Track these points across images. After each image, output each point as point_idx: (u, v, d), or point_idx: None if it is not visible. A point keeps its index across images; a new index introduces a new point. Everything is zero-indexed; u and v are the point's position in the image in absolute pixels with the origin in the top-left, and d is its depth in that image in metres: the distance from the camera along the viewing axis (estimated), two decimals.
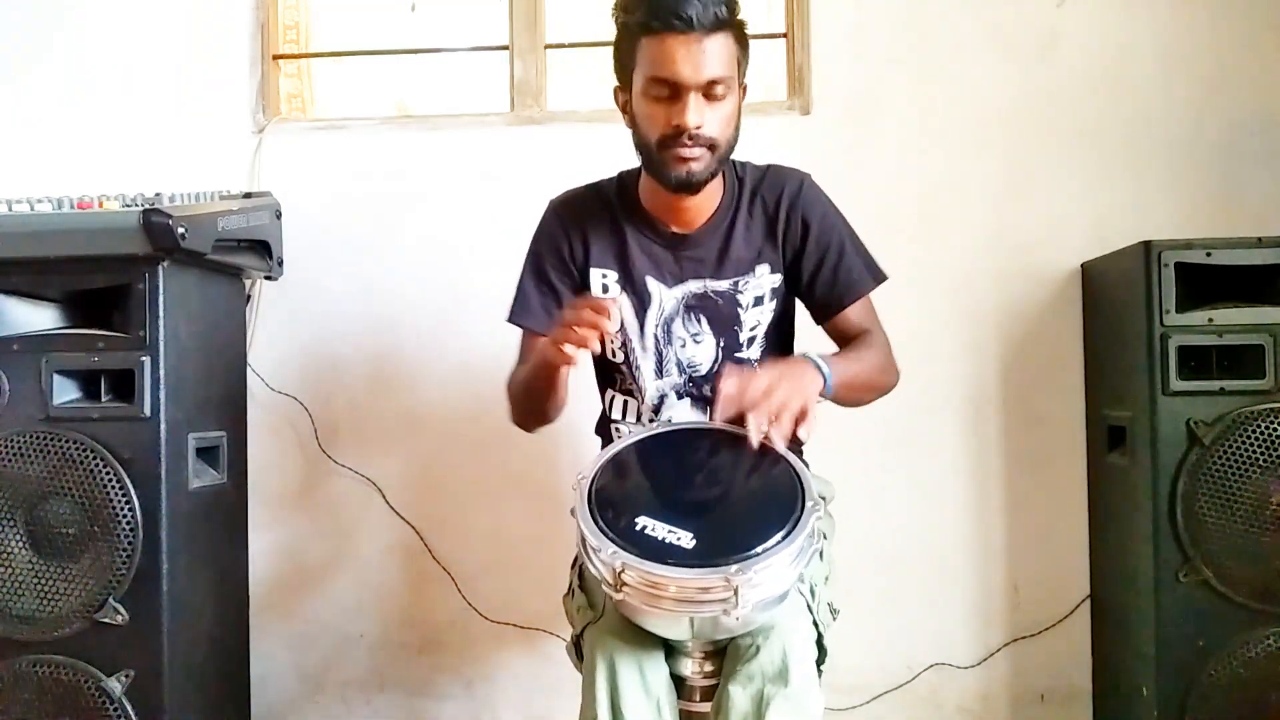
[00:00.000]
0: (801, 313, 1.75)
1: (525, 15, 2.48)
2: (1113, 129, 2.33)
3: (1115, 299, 2.15)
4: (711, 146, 1.51)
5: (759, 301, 1.65)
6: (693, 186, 1.54)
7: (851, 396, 1.58)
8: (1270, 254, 1.92)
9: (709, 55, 1.47)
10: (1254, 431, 1.88)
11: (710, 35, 1.46)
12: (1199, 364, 1.94)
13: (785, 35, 2.46)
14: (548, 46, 2.50)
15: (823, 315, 1.69)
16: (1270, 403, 1.89)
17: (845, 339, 1.68)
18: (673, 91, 1.48)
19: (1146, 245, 1.94)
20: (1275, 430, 1.88)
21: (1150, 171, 2.32)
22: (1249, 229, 2.10)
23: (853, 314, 1.67)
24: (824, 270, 1.65)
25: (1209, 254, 1.92)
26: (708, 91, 1.48)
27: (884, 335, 1.69)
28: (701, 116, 1.48)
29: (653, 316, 1.65)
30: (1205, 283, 1.94)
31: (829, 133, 2.36)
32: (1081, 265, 2.32)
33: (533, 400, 1.63)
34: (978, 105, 2.35)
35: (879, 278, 1.70)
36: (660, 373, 1.67)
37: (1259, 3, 2.31)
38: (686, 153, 1.50)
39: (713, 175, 1.55)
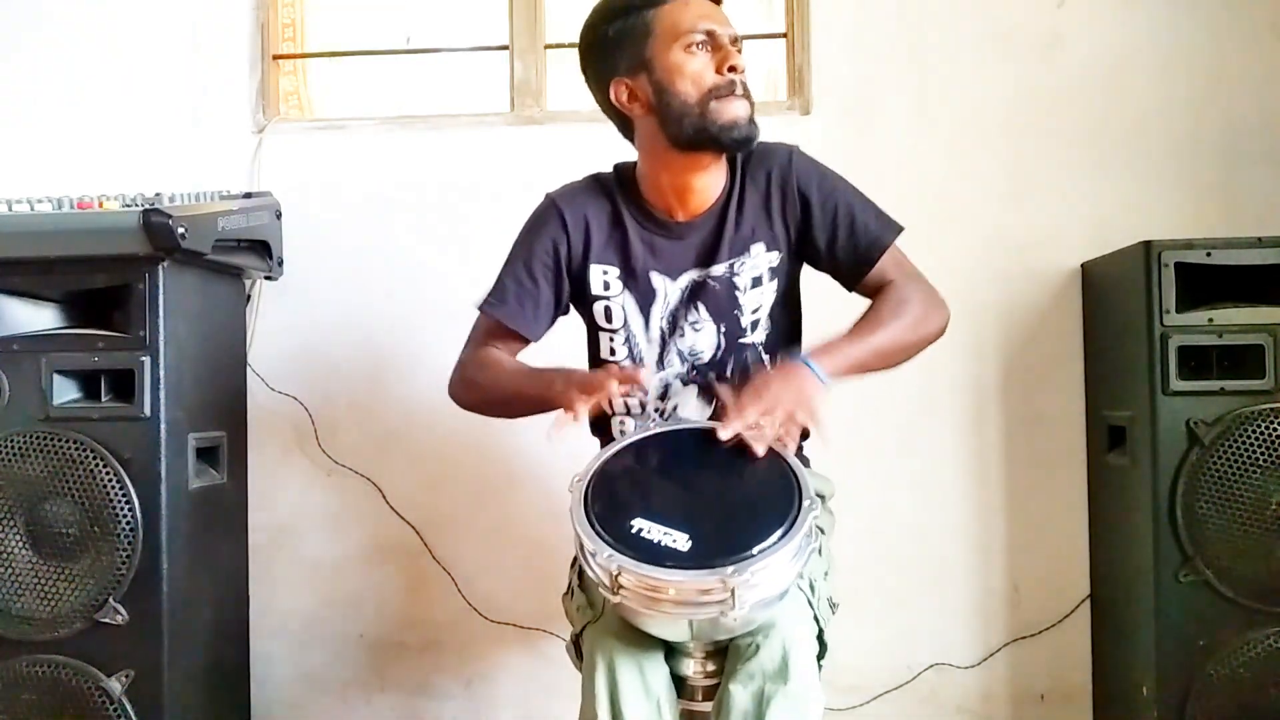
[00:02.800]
0: (808, 291, 1.72)
1: (525, 15, 2.48)
2: (1113, 129, 2.33)
3: (1115, 299, 2.15)
4: (750, 99, 1.55)
5: (757, 283, 1.63)
6: (750, 139, 1.55)
7: (877, 366, 1.54)
8: (1270, 254, 1.92)
9: (725, 14, 1.57)
10: (1254, 431, 1.88)
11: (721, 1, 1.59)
12: (1199, 364, 1.93)
13: (785, 35, 2.46)
14: (548, 46, 2.50)
15: (853, 280, 1.65)
16: (1270, 403, 1.89)
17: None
18: (712, 42, 1.54)
19: (1146, 245, 1.94)
20: (1275, 430, 1.88)
21: (1150, 171, 2.32)
22: (1249, 229, 2.10)
23: (881, 271, 1.62)
24: (840, 236, 1.61)
25: (1209, 254, 1.92)
26: (735, 47, 1.55)
27: (915, 280, 1.62)
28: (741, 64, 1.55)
29: (657, 310, 1.64)
30: (1205, 283, 1.93)
31: (829, 133, 2.36)
32: (1081, 265, 2.32)
33: (507, 406, 1.66)
34: (978, 105, 2.35)
35: (896, 228, 1.64)
36: (662, 364, 1.66)
37: (1259, 3, 2.31)
38: (740, 97, 1.53)
39: (757, 135, 1.57)
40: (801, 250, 1.65)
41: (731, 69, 1.52)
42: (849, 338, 1.53)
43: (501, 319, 1.67)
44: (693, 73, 1.52)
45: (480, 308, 1.69)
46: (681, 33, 1.53)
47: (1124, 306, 2.05)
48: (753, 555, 1.26)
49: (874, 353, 1.53)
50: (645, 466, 1.44)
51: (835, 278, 1.67)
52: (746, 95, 1.54)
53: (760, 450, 1.38)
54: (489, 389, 1.65)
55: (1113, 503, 2.19)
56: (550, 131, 2.44)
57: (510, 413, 1.68)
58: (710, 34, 1.53)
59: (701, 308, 1.63)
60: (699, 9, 1.54)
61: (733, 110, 1.52)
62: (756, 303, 1.63)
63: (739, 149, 1.58)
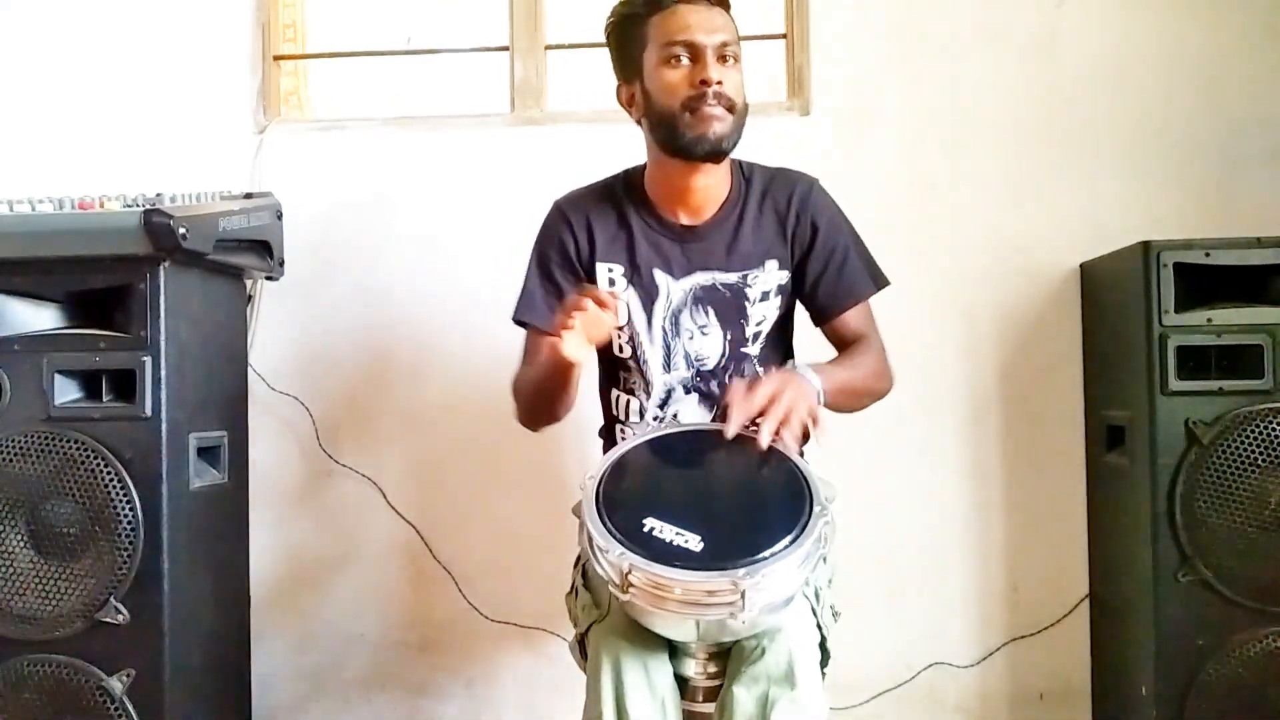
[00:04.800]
0: (800, 315, 1.76)
1: (525, 15, 2.49)
2: (1112, 129, 2.33)
3: (1114, 299, 2.15)
4: (730, 108, 1.56)
5: (765, 296, 1.67)
6: (719, 151, 1.57)
7: (844, 403, 1.60)
8: (1270, 254, 1.93)
9: (718, 20, 1.58)
10: (1253, 431, 1.89)
11: (715, 7, 1.59)
12: (1198, 364, 1.94)
13: (785, 35, 2.46)
14: (548, 47, 2.50)
15: (821, 318, 1.72)
16: (1269, 403, 1.89)
17: (842, 343, 1.71)
18: (691, 54, 1.56)
19: (1145, 245, 1.94)
20: (1275, 430, 1.88)
21: (1150, 171, 2.32)
22: (1249, 229, 2.10)
23: (850, 319, 1.70)
24: (827, 273, 1.68)
25: (1208, 254, 1.93)
26: (720, 54, 1.56)
27: (880, 341, 1.72)
28: (721, 75, 1.55)
29: (660, 309, 1.67)
30: (1204, 283, 1.94)
31: (828, 133, 2.37)
32: (1081, 265, 2.32)
33: (542, 399, 1.64)
34: (977, 106, 2.36)
35: (880, 283, 1.73)
36: (668, 366, 1.68)
37: (1258, 4, 2.32)
38: (711, 110, 1.54)
39: (733, 144, 1.59)
40: (794, 274, 1.69)
41: (703, 82, 1.54)
42: (833, 365, 1.60)
43: (534, 323, 1.69)
44: (669, 85, 1.56)
45: (514, 319, 1.72)
46: (663, 44, 1.57)
47: (1123, 306, 2.06)
48: (764, 558, 1.26)
49: (848, 387, 1.59)
50: (657, 466, 1.45)
51: (809, 309, 1.73)
52: (725, 106, 1.55)
53: (764, 444, 1.39)
54: (528, 398, 1.67)
55: (1112, 503, 2.19)
56: (550, 132, 2.44)
57: (552, 406, 1.64)
58: (690, 45, 1.55)
59: (710, 313, 1.67)
60: (685, 19, 1.57)
61: (701, 124, 1.55)
62: (761, 315, 1.68)
63: (708, 160, 1.59)
